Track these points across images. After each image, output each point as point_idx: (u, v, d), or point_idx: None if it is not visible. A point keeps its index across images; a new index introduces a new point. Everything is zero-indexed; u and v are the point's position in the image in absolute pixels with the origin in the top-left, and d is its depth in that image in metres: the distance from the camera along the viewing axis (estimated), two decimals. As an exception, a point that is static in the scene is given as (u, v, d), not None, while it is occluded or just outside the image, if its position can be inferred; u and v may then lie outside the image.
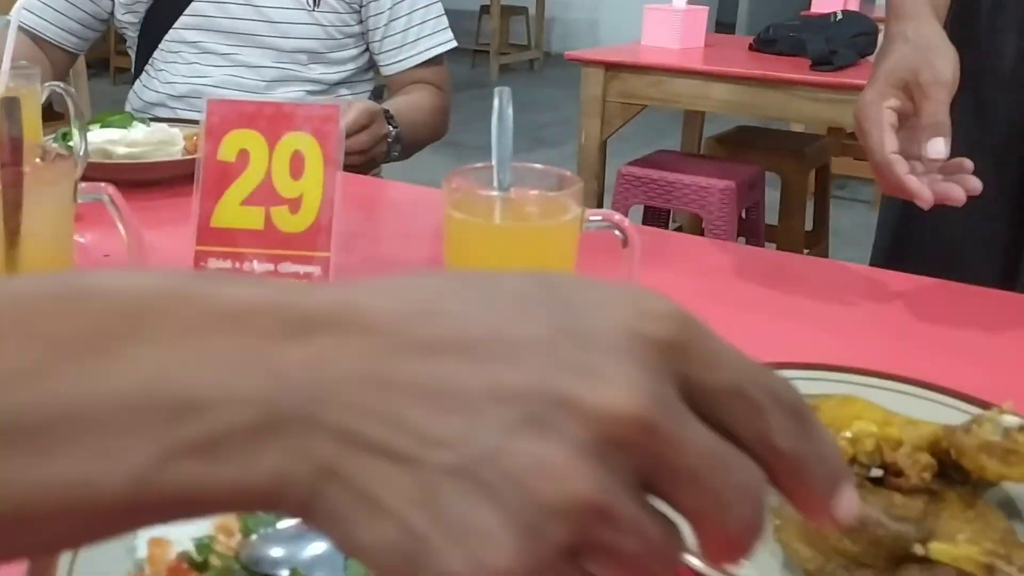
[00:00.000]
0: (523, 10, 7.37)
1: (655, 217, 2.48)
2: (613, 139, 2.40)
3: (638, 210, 2.43)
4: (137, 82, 1.41)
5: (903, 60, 0.73)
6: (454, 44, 1.42)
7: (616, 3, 7.87)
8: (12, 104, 0.54)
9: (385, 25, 1.36)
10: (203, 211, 0.72)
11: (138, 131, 1.03)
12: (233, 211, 0.73)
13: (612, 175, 2.46)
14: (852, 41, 2.25)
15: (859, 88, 2.40)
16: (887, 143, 0.70)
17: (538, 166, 0.59)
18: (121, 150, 1.00)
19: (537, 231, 0.55)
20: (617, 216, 0.56)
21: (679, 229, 2.96)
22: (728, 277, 0.85)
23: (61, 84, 0.91)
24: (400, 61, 1.38)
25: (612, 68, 2.31)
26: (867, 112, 0.73)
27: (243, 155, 0.73)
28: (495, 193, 0.55)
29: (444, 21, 1.41)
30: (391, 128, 1.19)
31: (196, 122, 1.15)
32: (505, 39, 7.35)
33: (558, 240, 0.55)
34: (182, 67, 1.34)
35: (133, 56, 1.42)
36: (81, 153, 0.91)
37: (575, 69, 2.36)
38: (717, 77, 2.17)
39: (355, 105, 1.12)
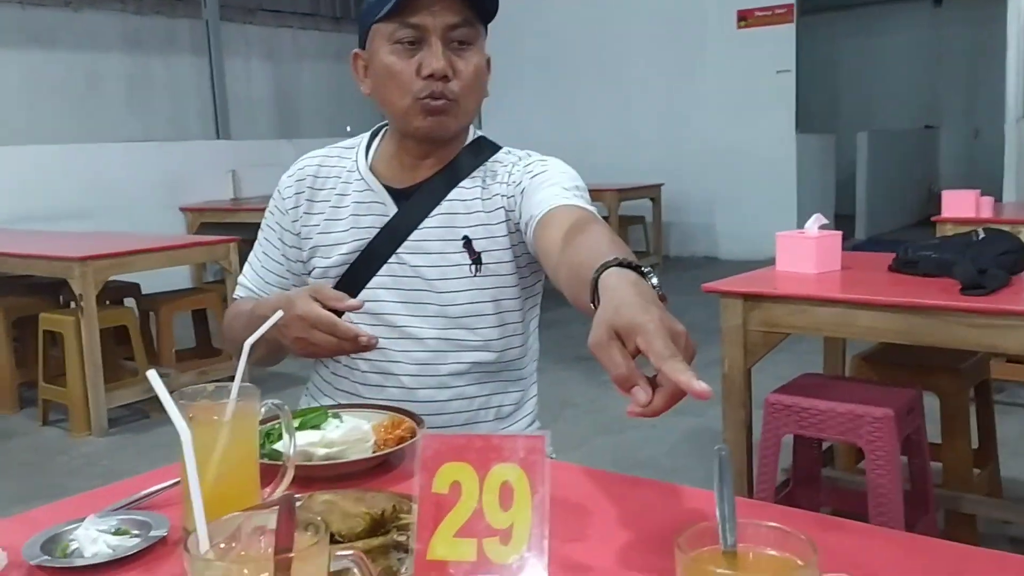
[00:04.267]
0: (640, 219, 7.64)
1: (805, 442, 2.40)
2: (757, 366, 2.39)
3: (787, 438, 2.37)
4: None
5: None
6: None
7: (729, 207, 8.07)
8: (289, 500, 0.60)
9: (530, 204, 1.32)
10: (419, 546, 0.76)
11: (333, 430, 1.10)
12: (447, 544, 0.76)
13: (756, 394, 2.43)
14: (999, 260, 2.21)
15: (1017, 313, 2.31)
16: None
17: (767, 524, 0.59)
18: (320, 451, 1.06)
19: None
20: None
21: (829, 451, 2.85)
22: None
23: (276, 401, 0.99)
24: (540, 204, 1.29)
25: (751, 298, 2.34)
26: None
27: (455, 487, 0.77)
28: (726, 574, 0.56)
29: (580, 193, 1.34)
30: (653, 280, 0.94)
31: (382, 408, 1.23)
32: (624, 247, 7.60)
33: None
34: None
35: None
36: (291, 454, 0.98)
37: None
38: (862, 305, 2.16)
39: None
